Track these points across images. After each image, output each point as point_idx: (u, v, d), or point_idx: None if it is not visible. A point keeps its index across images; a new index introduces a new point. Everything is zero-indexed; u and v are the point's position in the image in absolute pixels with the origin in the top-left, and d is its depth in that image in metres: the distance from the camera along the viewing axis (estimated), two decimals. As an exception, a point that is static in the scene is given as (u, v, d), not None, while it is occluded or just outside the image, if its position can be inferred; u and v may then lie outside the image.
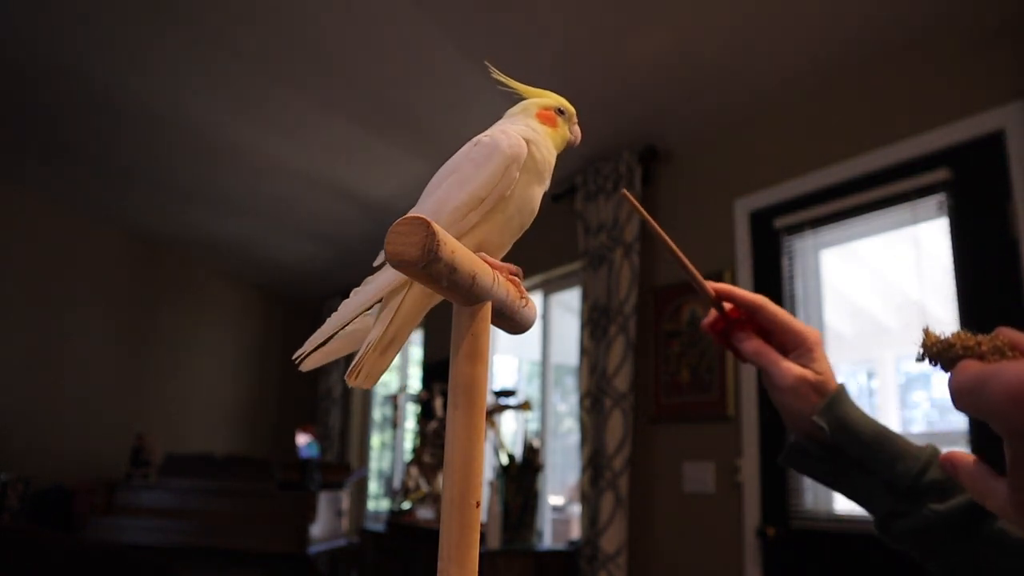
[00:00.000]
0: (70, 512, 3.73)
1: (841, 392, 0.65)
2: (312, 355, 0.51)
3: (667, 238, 0.64)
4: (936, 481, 0.61)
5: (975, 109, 2.03)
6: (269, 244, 4.74)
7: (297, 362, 0.51)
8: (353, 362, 0.48)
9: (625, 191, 0.65)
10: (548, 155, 0.55)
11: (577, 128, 0.59)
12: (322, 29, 2.48)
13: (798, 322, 0.68)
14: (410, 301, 0.50)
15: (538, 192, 0.54)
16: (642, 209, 0.62)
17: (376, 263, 0.53)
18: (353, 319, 0.50)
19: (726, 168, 2.75)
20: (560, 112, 0.58)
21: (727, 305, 0.70)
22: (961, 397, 0.31)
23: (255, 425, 5.42)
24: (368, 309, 0.50)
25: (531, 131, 0.55)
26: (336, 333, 0.51)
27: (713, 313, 0.71)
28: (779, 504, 2.34)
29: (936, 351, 0.37)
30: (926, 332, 0.37)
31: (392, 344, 0.50)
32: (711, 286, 0.69)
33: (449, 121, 2.99)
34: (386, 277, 0.49)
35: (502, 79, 0.59)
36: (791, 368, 0.65)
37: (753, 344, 0.68)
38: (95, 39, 2.68)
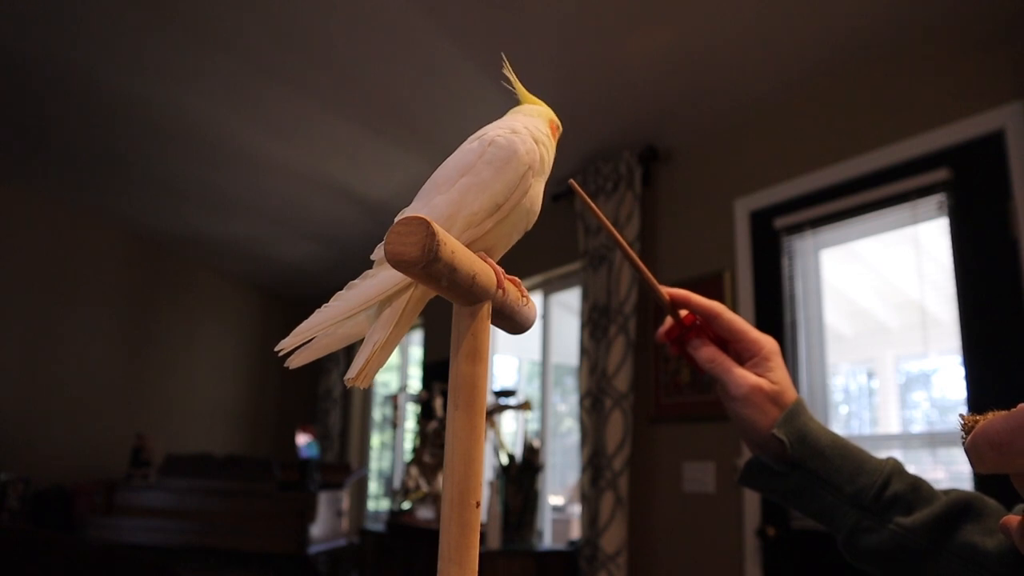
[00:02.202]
0: (70, 512, 3.74)
1: (799, 404, 0.64)
2: (301, 352, 0.50)
3: (623, 241, 0.63)
4: (900, 494, 0.59)
5: (975, 109, 2.03)
6: (269, 244, 4.74)
7: (280, 354, 0.49)
8: (358, 364, 0.47)
9: (572, 181, 0.63)
10: (551, 158, 0.56)
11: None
12: (323, 29, 2.48)
13: (754, 331, 0.67)
14: (415, 300, 0.49)
15: (541, 190, 0.54)
16: (594, 205, 0.62)
17: (373, 256, 0.51)
18: (349, 316, 0.49)
19: (726, 168, 2.75)
20: (557, 128, 0.59)
21: (683, 312, 0.68)
22: (968, 456, 0.33)
23: (255, 425, 5.42)
24: (364, 308, 0.49)
25: (541, 134, 0.55)
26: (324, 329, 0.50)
27: (669, 321, 0.69)
28: (779, 504, 2.34)
29: (968, 430, 0.39)
30: (963, 416, 0.39)
31: (393, 342, 0.49)
32: (666, 291, 0.67)
33: (449, 121, 2.99)
34: (389, 275, 0.48)
35: (510, 76, 0.58)
36: (745, 377, 0.64)
37: (707, 352, 0.66)
38: (96, 40, 2.68)
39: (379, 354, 0.48)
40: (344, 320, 0.49)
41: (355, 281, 0.49)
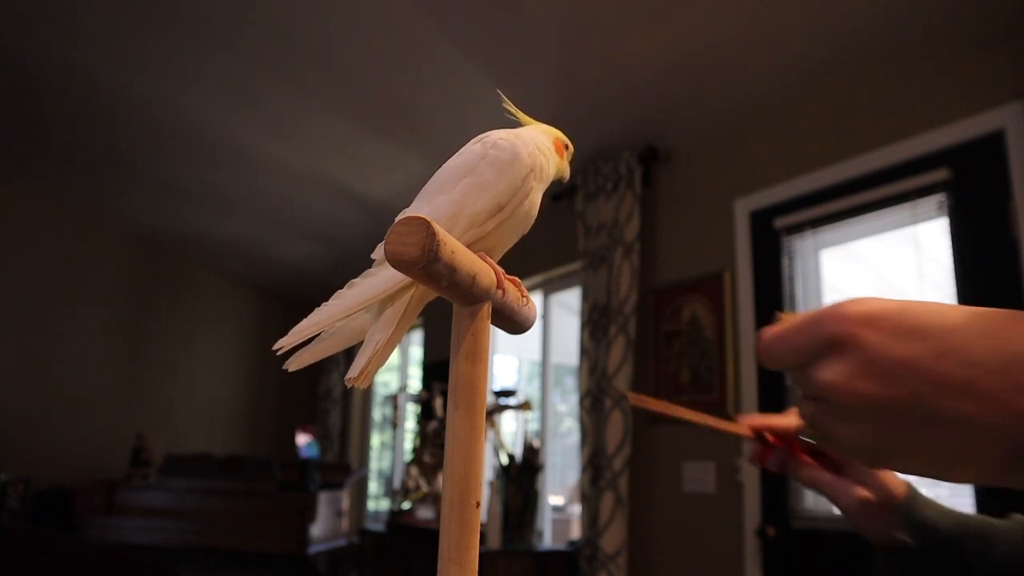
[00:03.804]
0: (70, 512, 3.73)
1: (912, 497, 0.61)
2: (302, 354, 0.50)
3: (684, 412, 0.65)
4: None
5: (975, 109, 2.03)
6: (269, 244, 4.74)
7: (278, 353, 0.48)
8: (360, 364, 0.47)
9: (630, 394, 0.66)
10: (551, 171, 0.57)
11: (568, 168, 0.61)
12: (323, 29, 2.48)
13: None
14: (416, 300, 0.49)
15: (539, 198, 0.55)
16: (651, 401, 0.64)
17: (374, 255, 0.51)
18: (349, 315, 0.49)
19: (726, 168, 2.75)
20: (566, 147, 0.60)
21: (768, 435, 0.68)
22: (757, 356, 0.37)
23: (255, 425, 5.42)
24: (364, 307, 0.49)
25: (543, 144, 0.56)
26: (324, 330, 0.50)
27: (756, 446, 0.69)
28: (779, 504, 2.34)
29: None
30: (781, 316, 0.39)
31: (393, 342, 0.49)
32: (745, 424, 0.67)
33: (449, 121, 2.99)
34: (390, 275, 0.48)
35: (511, 108, 0.60)
36: (851, 492, 0.62)
37: (808, 472, 0.65)
38: (96, 40, 2.68)
39: (380, 354, 0.48)
40: (344, 319, 0.49)
41: (356, 280, 0.50)
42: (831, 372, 0.32)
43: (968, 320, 0.29)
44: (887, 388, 0.30)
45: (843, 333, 0.32)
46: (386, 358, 0.49)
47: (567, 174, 0.60)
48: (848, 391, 0.31)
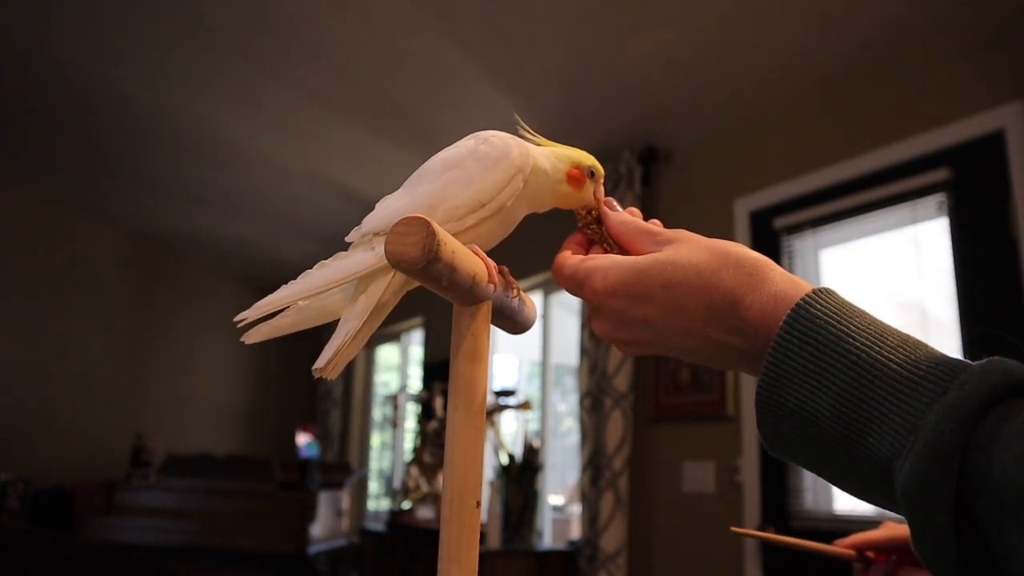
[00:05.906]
0: (70, 512, 3.73)
1: None
2: (261, 328, 0.49)
3: (787, 540, 0.69)
4: None
5: (975, 109, 2.03)
6: (269, 244, 4.74)
7: (239, 325, 0.48)
8: (328, 353, 0.45)
9: (733, 528, 0.70)
10: (551, 194, 0.52)
11: (601, 190, 0.53)
12: (323, 30, 2.48)
13: None
14: (392, 290, 0.48)
15: (524, 212, 0.52)
16: (756, 533, 0.67)
17: (348, 238, 0.50)
18: (314, 294, 0.47)
19: (726, 168, 2.75)
20: (591, 175, 0.52)
21: (869, 554, 0.70)
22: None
23: (255, 425, 5.42)
24: (333, 287, 0.47)
25: (547, 162, 0.51)
26: (288, 306, 0.48)
27: (859, 565, 0.71)
28: (779, 504, 2.34)
29: (583, 222, 0.50)
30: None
31: (365, 332, 0.47)
32: (844, 548, 0.69)
33: (450, 122, 2.99)
34: (361, 258, 0.47)
35: (527, 131, 0.55)
36: None
37: None
38: (98, 41, 2.67)
39: (350, 344, 0.46)
40: (309, 299, 0.48)
41: (325, 260, 0.49)
42: (597, 326, 0.44)
43: (683, 280, 0.40)
44: (635, 334, 0.43)
45: (595, 303, 0.43)
46: (356, 349, 0.47)
47: (600, 200, 0.52)
48: (611, 338, 0.44)
